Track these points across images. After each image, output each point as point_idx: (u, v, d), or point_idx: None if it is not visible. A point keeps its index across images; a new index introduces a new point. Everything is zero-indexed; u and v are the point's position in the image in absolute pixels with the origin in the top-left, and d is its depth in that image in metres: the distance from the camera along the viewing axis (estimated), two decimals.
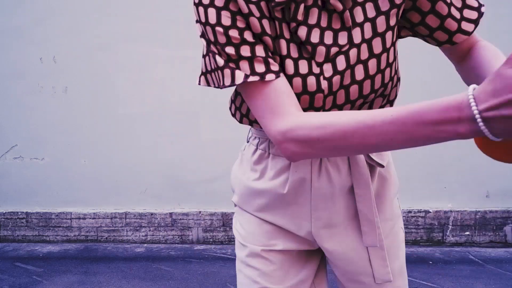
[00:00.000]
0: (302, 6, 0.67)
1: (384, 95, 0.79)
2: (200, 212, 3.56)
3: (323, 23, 0.70)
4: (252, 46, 0.67)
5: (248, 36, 0.67)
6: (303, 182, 0.81)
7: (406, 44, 3.40)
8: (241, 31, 0.67)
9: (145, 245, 3.56)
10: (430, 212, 3.46)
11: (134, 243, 3.59)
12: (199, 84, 0.77)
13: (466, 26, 0.75)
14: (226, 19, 0.66)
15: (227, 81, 0.68)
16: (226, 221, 3.53)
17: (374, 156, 0.82)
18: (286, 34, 0.70)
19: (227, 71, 0.68)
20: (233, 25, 0.66)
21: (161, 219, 3.59)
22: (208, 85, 0.75)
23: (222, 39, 0.67)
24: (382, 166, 0.84)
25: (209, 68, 0.73)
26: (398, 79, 0.81)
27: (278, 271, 0.84)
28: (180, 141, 3.57)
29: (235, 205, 0.95)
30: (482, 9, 0.76)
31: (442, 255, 3.22)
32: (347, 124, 0.60)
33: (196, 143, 3.54)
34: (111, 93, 3.59)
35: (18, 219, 3.67)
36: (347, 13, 0.69)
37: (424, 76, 3.35)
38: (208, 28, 0.67)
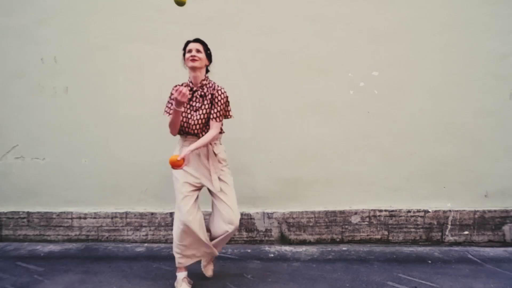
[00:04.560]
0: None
1: None
2: None
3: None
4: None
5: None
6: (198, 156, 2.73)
7: (414, 49, 3.43)
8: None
9: (146, 244, 3.58)
10: (429, 211, 3.47)
11: (134, 243, 3.61)
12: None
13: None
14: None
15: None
16: None
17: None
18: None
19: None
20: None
21: (161, 218, 3.60)
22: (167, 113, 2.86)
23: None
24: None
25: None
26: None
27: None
28: None
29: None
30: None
31: (441, 255, 3.23)
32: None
33: None
34: (111, 93, 3.60)
35: (19, 219, 3.68)
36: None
37: (430, 81, 3.37)
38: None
